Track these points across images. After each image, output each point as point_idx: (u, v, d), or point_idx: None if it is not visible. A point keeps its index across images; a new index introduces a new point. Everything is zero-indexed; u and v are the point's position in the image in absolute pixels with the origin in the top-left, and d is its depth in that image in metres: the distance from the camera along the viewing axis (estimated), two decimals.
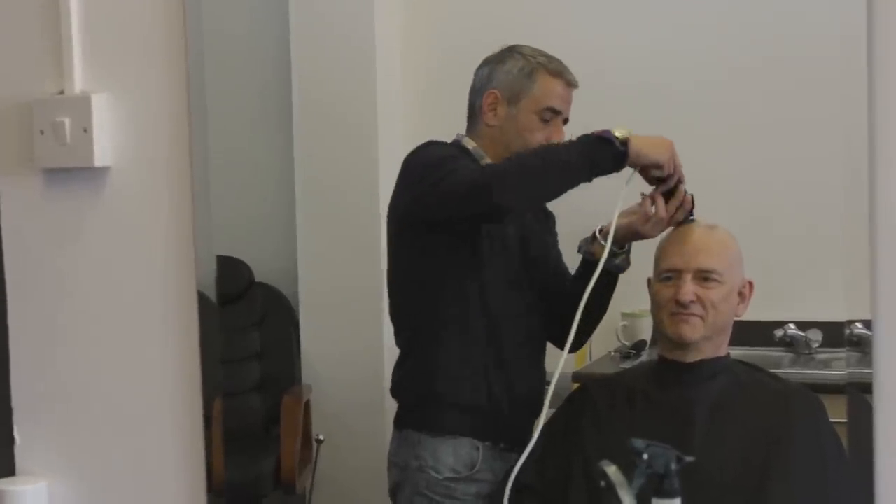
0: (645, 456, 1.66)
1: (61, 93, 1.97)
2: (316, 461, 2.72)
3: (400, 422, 2.46)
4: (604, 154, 2.25)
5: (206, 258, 1.99)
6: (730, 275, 2.28)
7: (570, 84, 2.46)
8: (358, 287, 2.80)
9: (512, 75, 2.46)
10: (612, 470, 1.67)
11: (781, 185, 2.58)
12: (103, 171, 1.95)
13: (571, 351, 2.32)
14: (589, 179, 2.27)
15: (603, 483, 1.68)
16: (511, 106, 2.46)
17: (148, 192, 1.93)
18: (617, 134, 2.24)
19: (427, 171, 2.35)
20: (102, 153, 1.95)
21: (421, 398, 2.43)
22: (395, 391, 2.49)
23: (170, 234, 1.91)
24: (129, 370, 1.91)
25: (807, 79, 2.49)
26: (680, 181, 2.33)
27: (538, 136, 2.44)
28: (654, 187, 2.34)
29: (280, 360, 2.90)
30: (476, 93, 2.50)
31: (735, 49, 2.61)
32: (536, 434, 2.24)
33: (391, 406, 2.51)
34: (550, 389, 2.21)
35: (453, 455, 2.39)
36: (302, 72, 2.87)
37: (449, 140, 2.49)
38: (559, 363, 2.22)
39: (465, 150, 2.47)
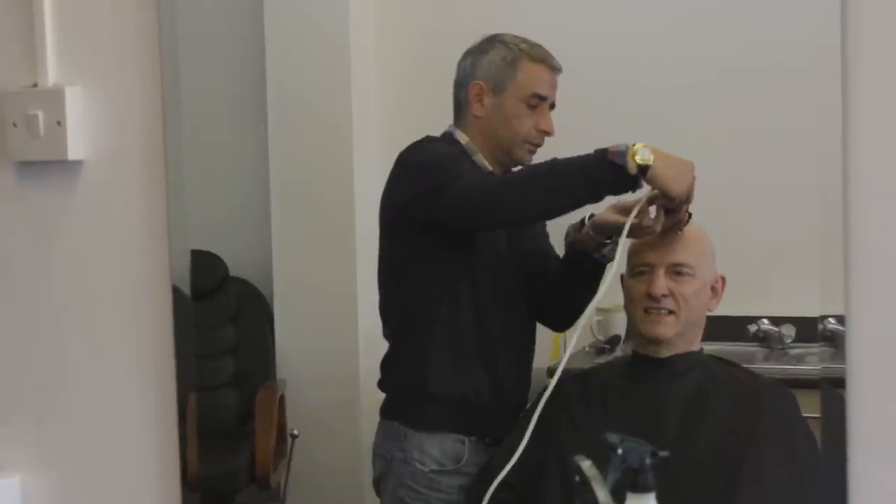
0: (619, 450, 1.66)
1: (34, 85, 1.96)
2: (291, 456, 2.71)
3: (387, 412, 2.46)
4: (612, 180, 2.18)
5: (181, 252, 1.99)
6: (702, 269, 2.29)
7: (554, 69, 2.47)
8: (333, 282, 2.79)
9: (495, 64, 2.47)
10: (586, 465, 1.67)
11: (755, 180, 2.59)
12: (77, 164, 1.94)
13: (562, 330, 2.46)
14: (596, 202, 2.27)
15: (578, 478, 1.68)
16: (496, 95, 2.46)
17: (122, 185, 1.92)
18: (638, 159, 2.13)
19: (429, 171, 2.38)
20: (76, 146, 1.94)
21: (408, 392, 2.44)
22: (383, 384, 2.49)
23: (144, 228, 1.90)
24: (103, 364, 1.90)
25: (783, 78, 2.50)
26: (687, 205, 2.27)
27: (526, 123, 2.45)
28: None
29: (255, 355, 2.88)
30: (460, 85, 2.51)
31: (712, 49, 2.61)
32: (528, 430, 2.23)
33: (366, 401, 2.51)
34: (555, 377, 2.20)
35: (439, 448, 2.40)
36: (276, 64, 2.85)
37: (438, 132, 2.50)
38: (564, 356, 2.22)
39: (458, 144, 2.47)
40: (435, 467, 2.40)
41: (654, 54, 2.66)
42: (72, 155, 1.93)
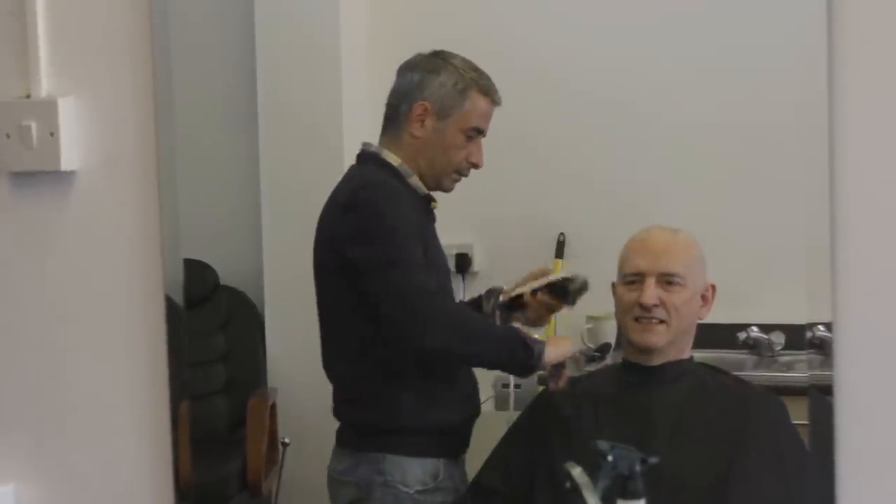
0: (609, 457, 1.67)
1: (27, 96, 1.97)
2: (282, 464, 2.72)
3: (356, 444, 2.42)
4: (525, 362, 2.30)
5: (174, 261, 1.99)
6: (693, 278, 2.30)
7: (496, 103, 2.46)
8: None
9: (446, 89, 2.43)
10: (577, 471, 1.68)
11: (744, 190, 2.61)
12: (70, 174, 1.94)
13: None
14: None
15: (568, 484, 1.70)
16: (440, 120, 2.43)
17: (115, 195, 1.93)
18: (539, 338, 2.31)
19: (371, 251, 2.32)
20: (69, 157, 1.94)
21: (382, 429, 2.40)
22: (352, 421, 2.45)
23: (137, 238, 1.91)
24: (97, 374, 1.90)
25: (769, 82, 2.52)
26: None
27: (461, 154, 2.45)
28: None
29: (245, 363, 2.89)
30: (402, 97, 2.46)
31: (701, 62, 2.65)
32: None
33: None
34: None
35: (420, 468, 2.38)
36: (267, 74, 2.87)
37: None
38: None
39: (389, 168, 2.44)
40: (419, 487, 2.37)
41: (643, 68, 2.69)
42: (65, 165, 1.94)
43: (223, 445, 2.76)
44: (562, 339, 2.40)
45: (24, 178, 1.97)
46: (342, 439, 2.45)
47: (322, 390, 2.55)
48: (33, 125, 1.94)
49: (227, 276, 2.87)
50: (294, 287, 2.82)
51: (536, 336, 2.32)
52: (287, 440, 2.73)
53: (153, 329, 1.89)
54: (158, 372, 1.89)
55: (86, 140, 1.94)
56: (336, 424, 2.48)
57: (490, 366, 2.43)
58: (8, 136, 1.96)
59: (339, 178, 2.55)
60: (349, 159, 2.57)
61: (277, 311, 2.87)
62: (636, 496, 1.67)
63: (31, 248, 1.95)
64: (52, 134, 1.94)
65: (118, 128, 1.93)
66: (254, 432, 2.72)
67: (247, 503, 2.69)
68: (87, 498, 1.89)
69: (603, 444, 1.69)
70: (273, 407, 2.77)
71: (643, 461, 1.68)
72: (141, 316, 1.90)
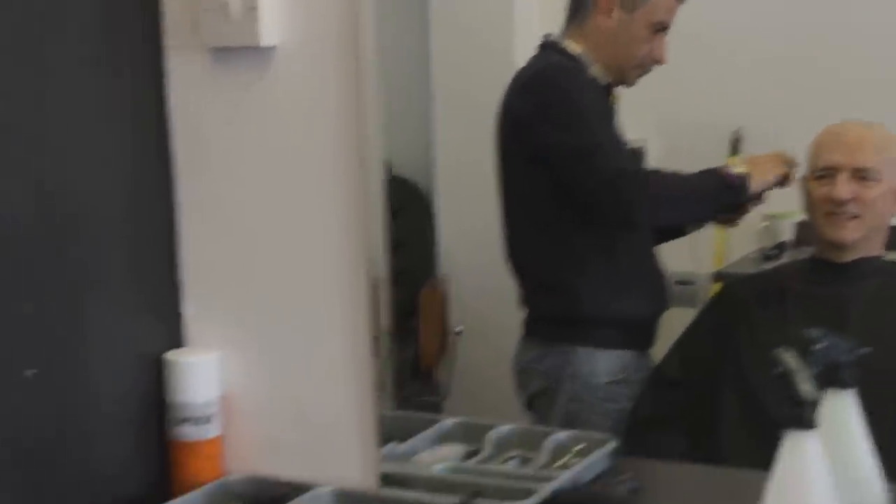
0: (822, 345, 1.64)
1: None
2: (454, 353, 2.73)
3: (544, 335, 2.45)
4: (733, 204, 2.36)
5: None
6: (889, 173, 2.24)
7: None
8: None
9: None
10: (790, 356, 1.65)
11: None
12: (269, 50, 1.92)
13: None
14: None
15: (780, 369, 1.67)
16: (627, 12, 2.41)
17: (315, 72, 1.90)
18: (740, 170, 2.32)
19: (567, 136, 2.33)
20: (269, 32, 1.92)
21: (570, 320, 2.42)
22: (538, 312, 2.48)
23: (337, 115, 1.89)
24: (296, 246, 1.90)
25: None
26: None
27: (644, 48, 2.42)
28: None
29: (416, 253, 2.89)
30: None
31: None
32: None
33: None
34: None
35: (607, 360, 2.39)
36: None
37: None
38: None
39: (569, 57, 2.43)
40: (607, 379, 2.39)
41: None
42: (264, 41, 1.90)
43: (395, 333, 2.78)
44: (765, 161, 2.37)
45: (223, 53, 1.95)
46: (530, 329, 2.47)
47: (495, 279, 2.56)
48: None
49: (398, 166, 2.87)
50: (465, 176, 2.82)
51: (736, 168, 2.33)
52: (460, 329, 2.74)
53: (352, 208, 1.88)
54: (357, 249, 1.88)
55: (286, 15, 1.91)
56: (511, 313, 2.48)
57: (703, 220, 2.47)
58: (208, 11, 1.95)
59: (509, 67, 2.53)
60: (519, 53, 2.55)
61: (448, 201, 2.87)
62: (847, 385, 1.64)
63: (231, 123, 1.94)
64: (252, 8, 1.92)
65: (320, 3, 1.90)
66: (426, 322, 2.73)
67: (419, 390, 2.71)
68: (289, 369, 1.90)
69: (815, 332, 1.66)
70: (445, 296, 2.77)
71: (854, 350, 1.65)
72: (340, 196, 1.88)
